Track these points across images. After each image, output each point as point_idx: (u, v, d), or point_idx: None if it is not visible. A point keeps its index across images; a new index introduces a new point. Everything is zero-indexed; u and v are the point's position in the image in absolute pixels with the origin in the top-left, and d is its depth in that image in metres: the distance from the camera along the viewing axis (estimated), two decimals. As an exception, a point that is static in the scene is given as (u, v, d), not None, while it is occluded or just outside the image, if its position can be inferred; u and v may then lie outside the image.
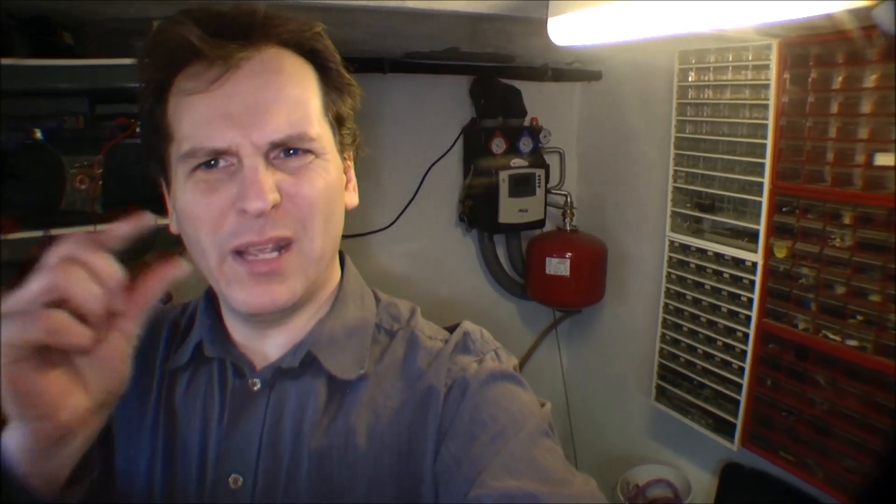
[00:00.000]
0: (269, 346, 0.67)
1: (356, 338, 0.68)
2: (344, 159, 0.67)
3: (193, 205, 0.58)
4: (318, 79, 0.63)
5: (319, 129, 0.61)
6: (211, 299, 0.71)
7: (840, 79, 1.32)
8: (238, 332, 0.68)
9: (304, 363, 0.65)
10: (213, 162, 0.58)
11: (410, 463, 0.62)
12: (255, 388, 0.65)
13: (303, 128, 0.59)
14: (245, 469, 0.62)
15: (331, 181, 0.62)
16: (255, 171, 0.56)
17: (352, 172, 0.71)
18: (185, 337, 0.72)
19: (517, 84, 2.10)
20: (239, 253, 0.58)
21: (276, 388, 0.65)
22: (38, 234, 1.08)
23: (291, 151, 0.59)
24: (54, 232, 1.08)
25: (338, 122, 0.66)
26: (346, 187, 0.69)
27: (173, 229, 0.65)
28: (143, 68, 0.61)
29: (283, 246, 0.59)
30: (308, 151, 0.60)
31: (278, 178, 0.58)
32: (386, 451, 0.62)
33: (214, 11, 0.58)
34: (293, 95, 0.60)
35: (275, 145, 0.58)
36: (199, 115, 0.57)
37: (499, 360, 0.68)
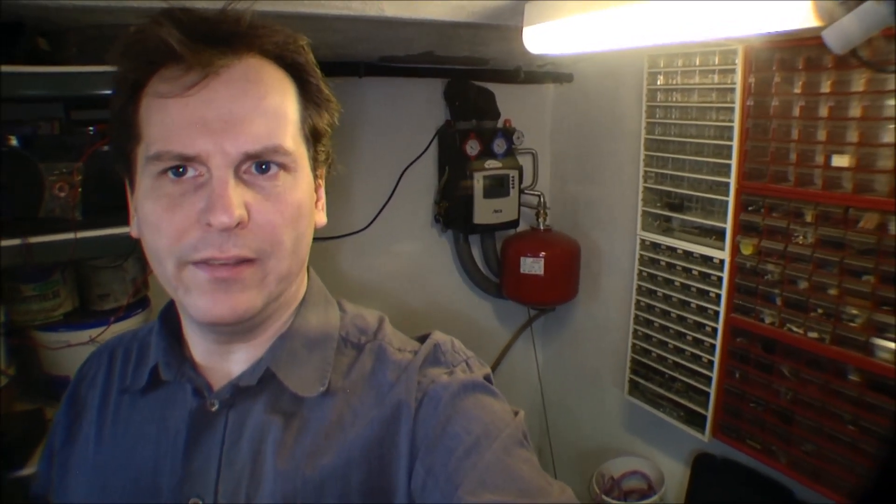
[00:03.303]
0: (231, 364, 0.65)
1: (318, 352, 0.66)
2: (316, 177, 0.66)
3: (156, 217, 0.57)
4: (297, 92, 0.62)
5: (294, 143, 0.60)
6: (165, 322, 0.69)
7: (801, 83, 1.38)
8: (199, 349, 0.66)
9: (263, 380, 0.63)
10: (181, 169, 0.56)
11: (382, 480, 0.61)
12: (213, 409, 0.63)
13: (278, 140, 0.58)
14: (205, 492, 0.60)
15: (301, 201, 0.61)
16: (224, 184, 0.55)
17: (322, 191, 0.69)
18: (139, 363, 0.70)
19: (490, 86, 2.13)
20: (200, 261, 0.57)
21: (235, 408, 0.63)
22: (16, 242, 1.07)
23: (264, 166, 0.58)
24: (33, 240, 1.07)
25: (314, 138, 0.64)
26: (316, 205, 0.67)
27: (134, 234, 0.63)
28: (119, 65, 0.59)
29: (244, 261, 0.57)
30: (281, 166, 0.59)
31: (248, 196, 0.57)
32: (355, 468, 0.60)
33: (198, 15, 0.57)
34: (271, 107, 0.58)
35: (248, 156, 0.56)
36: (171, 120, 0.56)
37: (470, 370, 0.66)
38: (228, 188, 0.55)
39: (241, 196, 0.56)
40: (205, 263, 0.56)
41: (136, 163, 0.60)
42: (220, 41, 0.56)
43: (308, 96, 0.63)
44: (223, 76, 0.56)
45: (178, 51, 0.54)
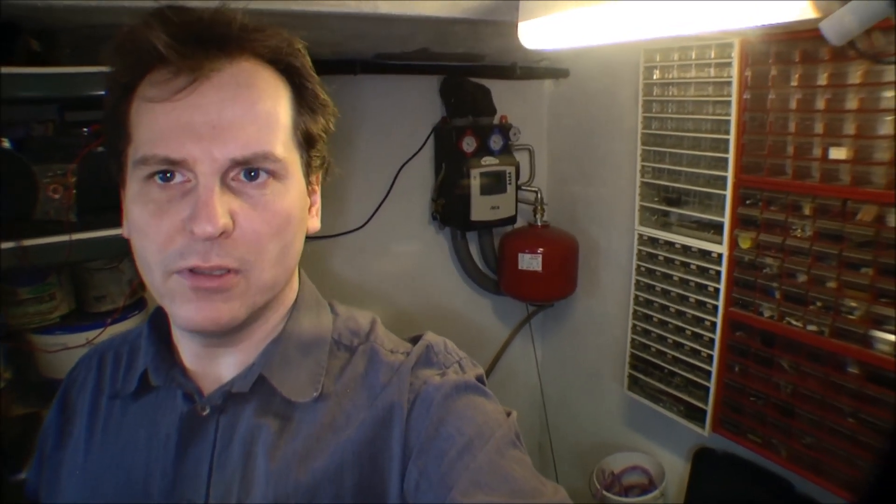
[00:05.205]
0: (221, 368, 0.65)
1: (311, 357, 0.66)
2: (309, 183, 0.65)
3: (143, 223, 0.56)
4: (291, 97, 0.61)
5: (285, 150, 0.59)
6: (155, 326, 0.69)
7: (797, 76, 1.38)
8: (189, 354, 0.66)
9: (255, 385, 0.63)
10: (169, 174, 0.55)
11: (375, 482, 0.61)
12: (204, 413, 0.63)
13: (268, 147, 0.57)
14: (196, 496, 0.60)
15: (290, 209, 0.60)
16: (209, 192, 0.54)
17: (317, 197, 0.69)
18: (129, 367, 0.70)
19: (487, 82, 2.12)
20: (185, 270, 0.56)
21: (225, 412, 0.63)
22: (11, 244, 1.06)
23: (253, 173, 0.57)
24: (27, 242, 1.07)
25: (307, 144, 0.64)
26: (310, 211, 0.67)
27: (125, 234, 0.62)
28: (111, 66, 0.58)
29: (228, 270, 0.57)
30: (270, 173, 0.58)
31: (235, 204, 0.56)
32: (348, 470, 0.60)
33: (190, 16, 0.56)
34: (262, 112, 0.57)
35: (236, 163, 0.56)
36: (159, 124, 0.55)
37: (462, 371, 0.66)
38: (214, 196, 0.54)
39: (227, 204, 0.55)
40: (189, 272, 0.56)
41: (126, 164, 0.59)
42: (211, 44, 0.56)
43: (303, 101, 0.63)
44: (213, 80, 0.55)
45: (164, 54, 0.53)
